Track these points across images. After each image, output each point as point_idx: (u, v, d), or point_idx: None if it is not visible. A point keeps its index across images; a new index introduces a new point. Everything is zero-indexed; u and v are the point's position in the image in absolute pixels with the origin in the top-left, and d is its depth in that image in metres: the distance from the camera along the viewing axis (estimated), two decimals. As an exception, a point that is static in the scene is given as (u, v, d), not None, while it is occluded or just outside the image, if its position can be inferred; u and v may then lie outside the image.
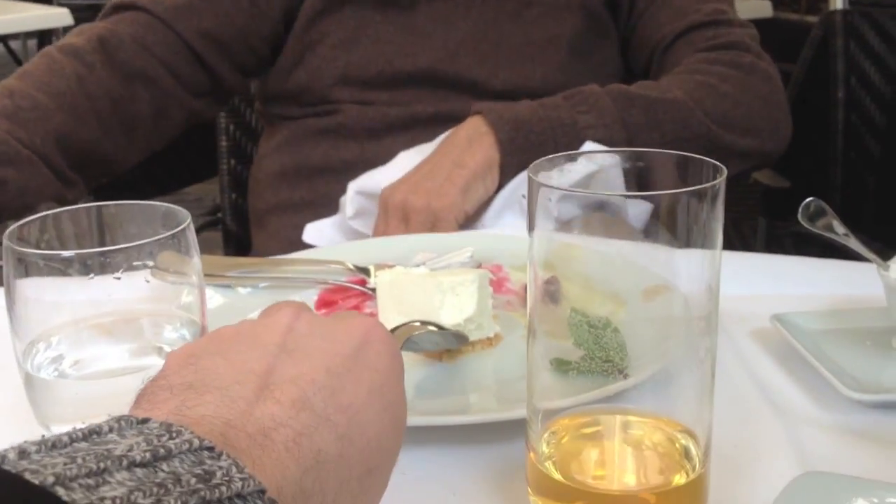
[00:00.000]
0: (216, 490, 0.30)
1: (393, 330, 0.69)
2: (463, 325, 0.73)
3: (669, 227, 0.47)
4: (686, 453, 0.52)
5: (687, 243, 0.48)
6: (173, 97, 1.21)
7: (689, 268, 0.49)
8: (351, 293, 0.85)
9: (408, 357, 0.73)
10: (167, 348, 0.59)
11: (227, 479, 0.31)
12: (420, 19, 1.20)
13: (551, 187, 0.48)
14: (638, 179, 0.52)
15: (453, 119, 1.14)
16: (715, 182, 0.47)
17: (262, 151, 1.36)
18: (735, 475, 0.58)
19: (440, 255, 0.90)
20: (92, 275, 0.55)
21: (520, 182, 1.07)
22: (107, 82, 1.13)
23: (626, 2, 1.25)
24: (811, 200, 0.68)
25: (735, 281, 0.82)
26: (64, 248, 0.59)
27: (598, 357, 0.52)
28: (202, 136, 1.33)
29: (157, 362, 0.53)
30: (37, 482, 0.27)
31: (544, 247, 0.50)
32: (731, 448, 0.61)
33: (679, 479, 0.51)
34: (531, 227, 0.50)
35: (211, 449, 0.32)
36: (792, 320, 0.75)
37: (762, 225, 1.84)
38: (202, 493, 0.30)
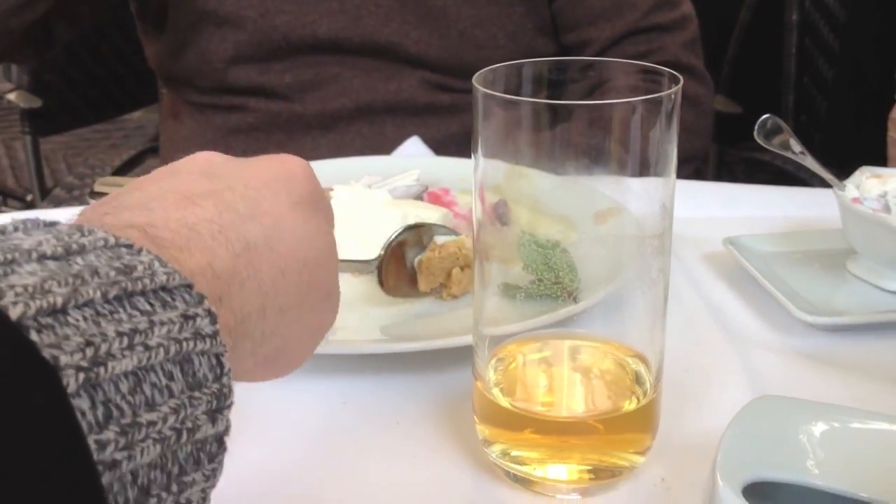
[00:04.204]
0: (138, 282, 0.28)
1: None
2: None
3: (622, 140, 0.45)
4: (637, 378, 0.50)
5: (641, 158, 0.45)
6: None
7: (644, 185, 0.46)
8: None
9: (360, 282, 0.70)
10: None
11: (149, 272, 0.29)
12: None
13: (500, 96, 0.45)
14: (590, 91, 0.49)
15: (372, 112, 1.06)
16: (671, 90, 0.44)
17: (168, 135, 1.22)
18: (687, 400, 0.57)
19: (385, 178, 0.87)
20: None
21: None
22: None
23: None
24: (768, 117, 0.66)
25: (686, 205, 0.80)
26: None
27: (547, 280, 0.50)
28: (143, 61, 1.26)
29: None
30: None
31: (491, 168, 0.47)
32: (683, 373, 0.60)
33: (629, 405, 0.49)
34: (475, 146, 0.47)
35: (129, 246, 0.29)
36: (744, 243, 0.73)
37: (713, 151, 1.83)
38: (123, 284, 0.27)
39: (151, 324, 0.28)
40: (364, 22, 1.06)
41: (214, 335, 0.30)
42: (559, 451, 0.49)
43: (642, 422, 0.50)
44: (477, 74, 0.46)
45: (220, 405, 0.30)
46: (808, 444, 0.44)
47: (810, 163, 0.67)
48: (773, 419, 0.46)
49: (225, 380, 0.30)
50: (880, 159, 1.12)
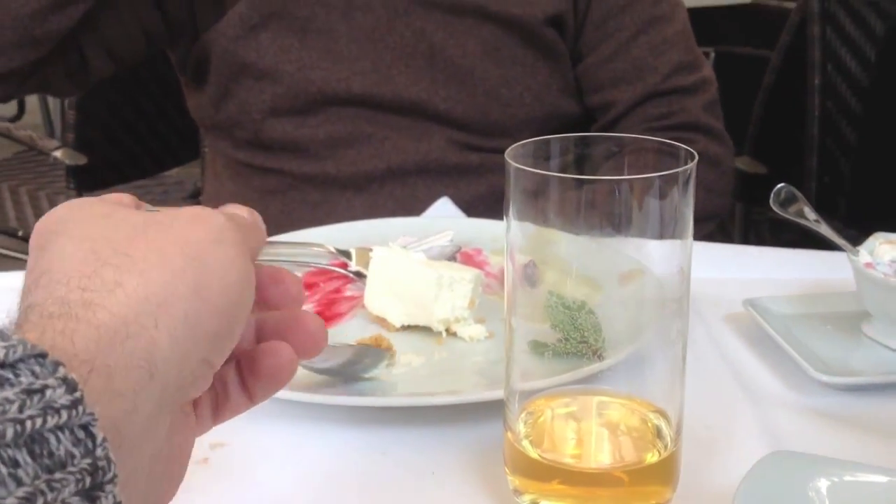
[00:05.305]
0: None
1: None
2: (451, 321, 0.74)
3: (643, 211, 0.49)
4: (658, 433, 0.53)
5: (660, 227, 0.49)
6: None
7: (662, 251, 0.50)
8: (332, 276, 0.85)
9: (397, 338, 0.74)
10: None
11: None
12: (342, 43, 1.10)
13: (529, 170, 0.49)
14: (614, 164, 0.53)
15: (404, 173, 1.11)
16: (687, 167, 0.48)
17: (209, 195, 1.28)
18: (706, 455, 0.60)
19: (421, 238, 0.91)
20: None
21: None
22: None
23: (571, 26, 1.14)
24: (782, 186, 0.70)
25: (710, 267, 0.84)
26: None
27: (573, 339, 0.54)
28: (184, 118, 1.32)
29: None
30: None
31: (521, 231, 0.51)
32: (703, 429, 0.63)
33: (651, 458, 0.52)
34: (507, 212, 0.52)
35: None
36: (764, 305, 0.76)
37: (739, 210, 1.86)
38: None
39: None
40: (395, 80, 1.11)
41: (74, 405, 0.26)
42: (585, 501, 0.52)
43: (663, 474, 0.53)
44: (509, 150, 0.51)
45: (97, 482, 0.26)
46: (818, 499, 0.47)
47: (825, 230, 0.70)
48: (785, 474, 0.49)
49: (100, 451, 0.27)
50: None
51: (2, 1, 0.99)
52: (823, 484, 0.47)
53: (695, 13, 1.27)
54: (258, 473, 0.59)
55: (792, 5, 1.83)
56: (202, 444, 0.61)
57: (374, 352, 0.68)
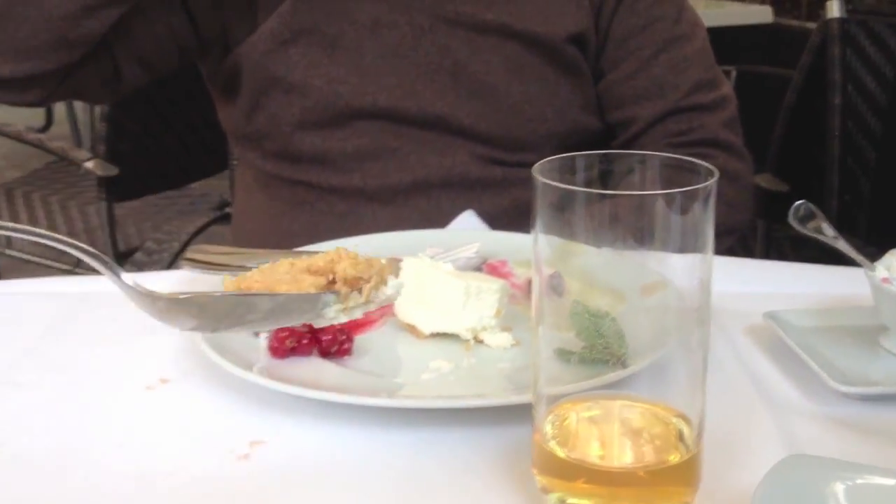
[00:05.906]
0: None
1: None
2: (478, 329, 0.77)
3: (665, 225, 0.51)
4: (680, 436, 0.55)
5: (681, 241, 0.51)
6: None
7: (684, 264, 0.53)
8: (362, 285, 0.88)
9: (427, 345, 0.77)
10: None
11: None
12: (369, 59, 1.13)
13: (555, 185, 0.52)
14: (635, 180, 0.56)
15: (429, 186, 1.13)
16: (707, 183, 0.50)
17: (241, 208, 1.31)
18: (727, 459, 0.62)
19: (448, 250, 0.93)
20: None
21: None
22: None
23: (592, 44, 1.17)
24: (801, 203, 0.72)
25: (732, 281, 0.86)
26: None
27: (598, 345, 0.56)
28: (212, 132, 1.35)
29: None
30: None
31: (548, 244, 0.54)
32: (724, 434, 0.65)
33: (674, 459, 0.54)
34: (534, 225, 0.54)
35: None
36: (784, 317, 0.78)
37: (761, 227, 1.88)
38: None
39: None
40: (420, 95, 1.14)
41: None
42: (610, 499, 0.54)
43: (685, 475, 0.55)
44: (536, 165, 0.53)
45: None
46: (834, 501, 0.49)
47: (843, 246, 0.72)
48: (802, 476, 0.51)
49: None
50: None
51: (36, 3, 1.02)
52: (840, 487, 0.50)
53: (717, 32, 1.30)
54: (296, 469, 0.62)
55: (813, 25, 1.85)
56: (242, 441, 0.64)
57: (303, 298, 0.53)
